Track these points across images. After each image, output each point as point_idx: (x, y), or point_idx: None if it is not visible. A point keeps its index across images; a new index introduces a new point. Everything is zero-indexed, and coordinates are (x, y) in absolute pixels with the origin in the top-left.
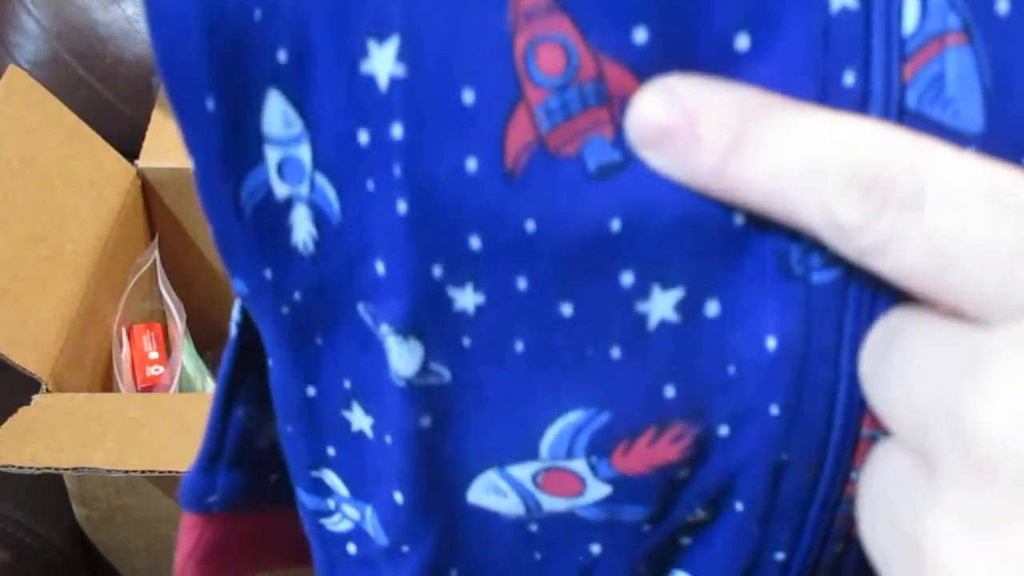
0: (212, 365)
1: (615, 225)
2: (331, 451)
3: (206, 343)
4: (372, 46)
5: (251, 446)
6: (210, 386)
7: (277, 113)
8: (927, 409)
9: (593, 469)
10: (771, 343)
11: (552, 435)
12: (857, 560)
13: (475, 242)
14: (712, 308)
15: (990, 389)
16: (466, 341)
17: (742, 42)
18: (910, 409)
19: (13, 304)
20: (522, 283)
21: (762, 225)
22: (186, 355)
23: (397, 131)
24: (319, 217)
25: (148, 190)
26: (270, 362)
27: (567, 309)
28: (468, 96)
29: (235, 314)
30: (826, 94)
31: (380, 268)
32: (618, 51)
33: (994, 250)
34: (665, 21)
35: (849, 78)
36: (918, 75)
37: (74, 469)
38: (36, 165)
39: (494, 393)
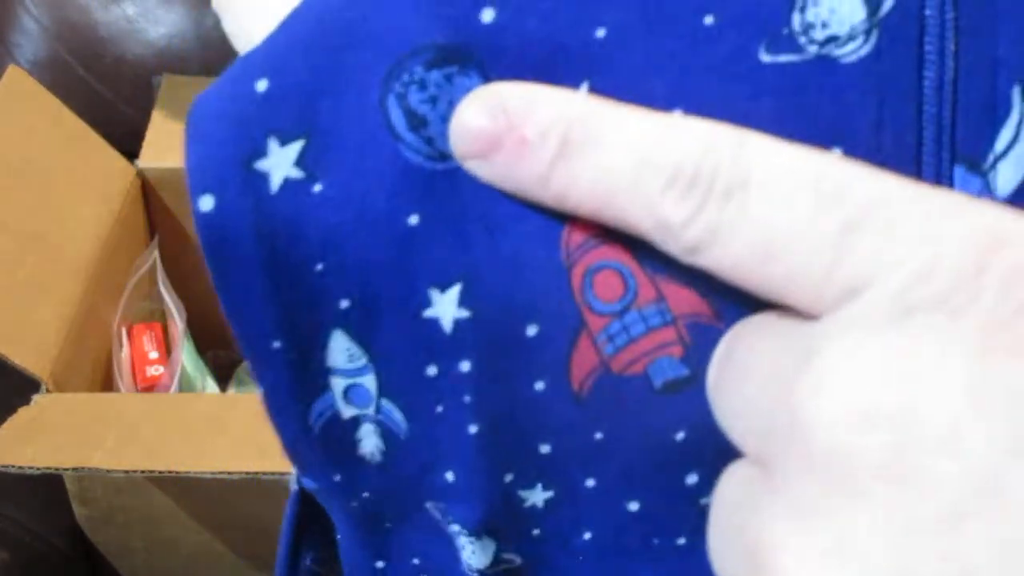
0: (212, 365)
1: (680, 435)
2: None
3: (206, 343)
4: (435, 295)
5: None
6: (210, 386)
7: (341, 350)
8: (766, 413)
9: None
10: None
11: None
12: None
13: (544, 449)
14: None
15: (819, 379)
16: (535, 531)
17: None
18: (752, 417)
19: (13, 304)
20: (590, 482)
21: None
22: (186, 355)
23: (465, 366)
24: (386, 433)
25: (148, 190)
26: (339, 536)
27: (634, 506)
28: (531, 331)
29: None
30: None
31: (450, 476)
32: (675, 272)
33: (817, 237)
34: None
35: None
36: None
37: (74, 469)
38: (36, 165)
39: (564, 572)
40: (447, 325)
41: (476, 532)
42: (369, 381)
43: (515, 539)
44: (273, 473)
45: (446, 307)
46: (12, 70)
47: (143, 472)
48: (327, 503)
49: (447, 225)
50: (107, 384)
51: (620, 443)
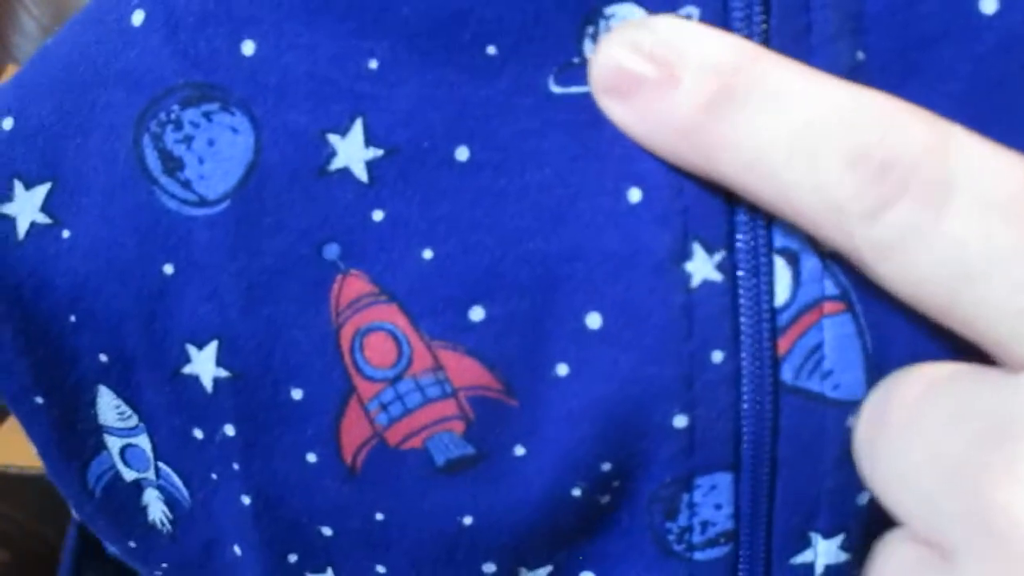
0: None
1: (468, 520)
2: None
3: None
4: (192, 351)
5: None
6: None
7: (110, 407)
8: (939, 493)
9: None
10: None
11: None
12: None
13: (326, 531)
14: None
15: (1021, 468)
16: None
17: (593, 321)
18: (919, 495)
19: None
20: (380, 568)
21: (634, 504)
22: None
23: (230, 430)
24: (170, 500)
25: None
26: None
27: None
28: (296, 394)
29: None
30: (693, 374)
31: (237, 550)
32: (454, 335)
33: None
34: (507, 299)
35: (717, 356)
36: (793, 348)
37: None
38: None
39: None
40: (207, 384)
41: None
42: (144, 442)
43: None
44: None
45: (204, 365)
46: (12, 70)
47: None
48: (135, 566)
49: (203, 276)
50: None
51: (404, 527)
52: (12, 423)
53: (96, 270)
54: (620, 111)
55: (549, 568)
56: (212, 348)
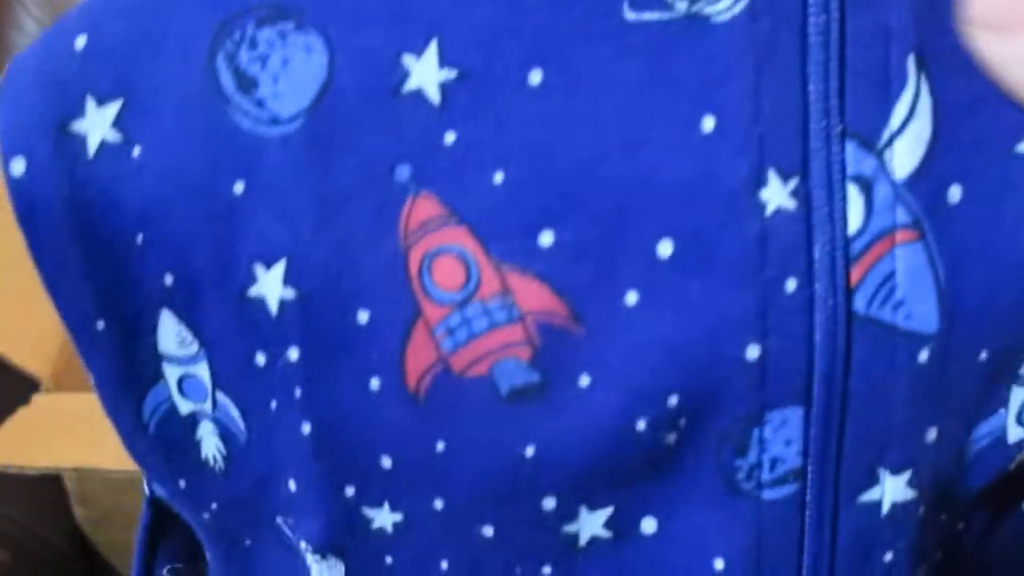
0: None
1: (530, 451)
2: None
3: None
4: (259, 270)
5: None
6: None
7: (171, 333)
8: None
9: None
10: (719, 564)
11: None
12: None
13: (385, 461)
14: (649, 526)
15: None
16: (388, 559)
17: (664, 249)
18: None
19: (13, 304)
20: (438, 503)
21: (701, 442)
22: None
23: (293, 354)
24: (226, 434)
25: None
26: (207, 554)
27: (488, 531)
28: (362, 317)
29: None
30: (767, 303)
31: (292, 486)
32: (523, 260)
33: None
34: (577, 224)
35: (791, 285)
36: (866, 277)
37: (74, 469)
38: None
39: None
40: (273, 306)
41: (322, 551)
42: (202, 370)
43: (365, 566)
44: None
45: (271, 285)
46: None
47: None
48: (183, 514)
49: (274, 196)
50: None
51: (465, 457)
52: (12, 423)
53: (166, 189)
54: (998, 49)
55: (610, 510)
56: (280, 267)
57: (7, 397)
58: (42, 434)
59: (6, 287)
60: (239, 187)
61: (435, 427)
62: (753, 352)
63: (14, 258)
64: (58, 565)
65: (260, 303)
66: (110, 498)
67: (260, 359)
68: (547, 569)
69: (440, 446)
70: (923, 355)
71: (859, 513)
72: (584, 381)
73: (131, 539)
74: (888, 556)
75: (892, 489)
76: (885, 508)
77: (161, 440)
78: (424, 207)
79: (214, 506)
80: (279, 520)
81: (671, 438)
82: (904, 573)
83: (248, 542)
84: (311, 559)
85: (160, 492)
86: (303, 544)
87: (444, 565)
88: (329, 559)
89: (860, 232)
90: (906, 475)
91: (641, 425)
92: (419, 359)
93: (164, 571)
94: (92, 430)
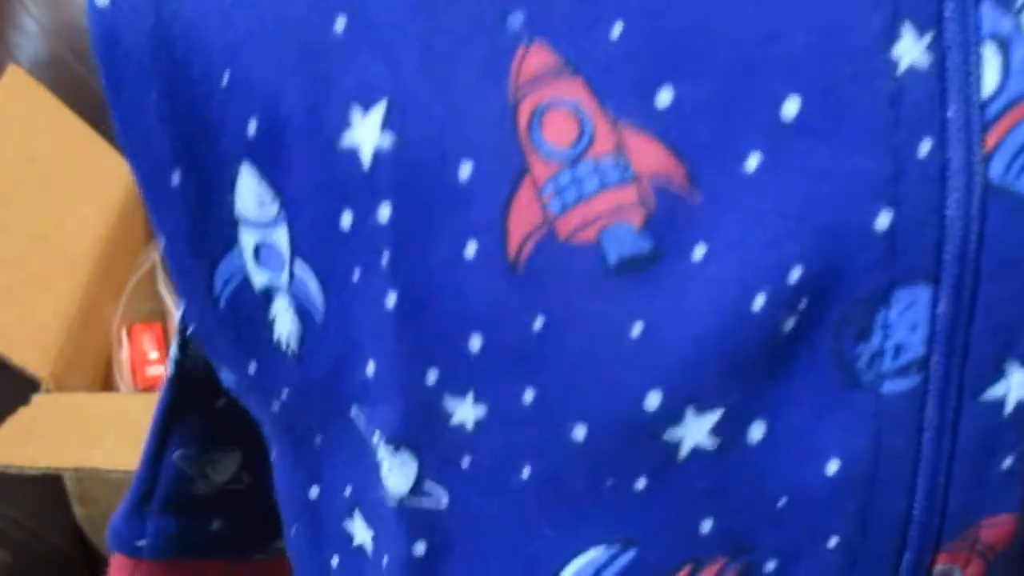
0: None
1: (637, 331)
2: (334, 562)
3: None
4: (355, 114)
5: (188, 490)
6: None
7: (251, 191)
8: None
9: None
10: (832, 468)
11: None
12: None
13: (475, 342)
14: (757, 432)
15: None
16: (465, 462)
17: (790, 108)
18: None
19: (13, 304)
20: (528, 395)
21: (821, 326)
22: None
23: (384, 212)
24: (302, 310)
25: None
26: (272, 454)
27: (580, 432)
28: (465, 171)
29: (174, 350)
30: (900, 170)
31: (370, 369)
32: (640, 116)
33: None
34: (698, 80)
35: (924, 148)
36: (1002, 143)
37: (74, 469)
38: (36, 165)
39: (496, 526)
40: (366, 156)
41: (396, 443)
42: (281, 236)
43: (441, 466)
44: None
45: (367, 132)
46: (12, 70)
47: None
48: (252, 408)
49: (378, 34)
50: (107, 384)
51: (563, 336)
52: (12, 423)
53: (259, 24)
54: None
55: (719, 413)
56: (379, 110)
57: (7, 397)
58: (42, 434)
59: (6, 287)
60: (340, 23)
61: (534, 301)
62: (884, 221)
63: (14, 258)
64: (58, 565)
65: (352, 154)
66: (110, 498)
67: (346, 219)
68: (640, 483)
69: (538, 324)
70: None
71: (982, 412)
72: (699, 253)
73: None
74: (1008, 462)
75: (1018, 384)
76: (1009, 407)
77: (232, 317)
78: (537, 57)
79: (285, 394)
80: (353, 412)
81: (789, 322)
82: (1019, 486)
83: (318, 439)
84: (383, 452)
85: (228, 380)
86: (376, 436)
87: (525, 473)
88: (402, 453)
89: (996, 95)
90: None
91: (759, 303)
92: (523, 221)
93: (175, 455)
94: (92, 430)
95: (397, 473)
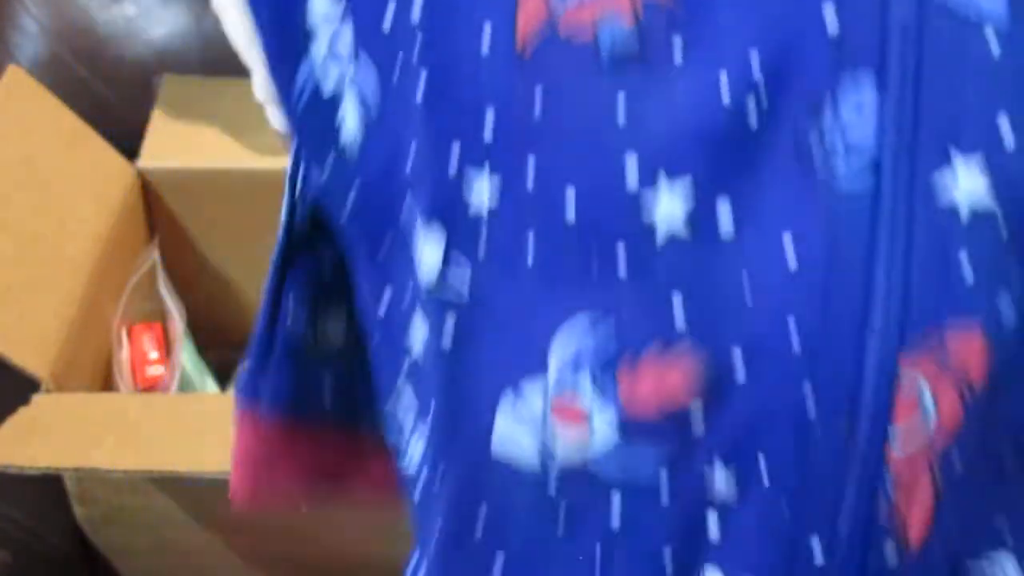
0: (212, 365)
1: (621, 117)
2: (401, 380)
3: (206, 343)
4: None
5: (301, 349)
6: (210, 386)
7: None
8: None
9: (600, 393)
10: (792, 262)
11: (559, 340)
12: None
13: (488, 118)
14: (726, 223)
15: None
16: (481, 250)
17: None
18: None
19: (13, 304)
20: (531, 167)
21: (780, 119)
22: (186, 355)
23: (416, 11)
24: (364, 104)
25: (148, 190)
26: (353, 275)
27: (571, 209)
28: None
29: (283, 213)
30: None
31: (409, 161)
32: None
33: None
34: None
35: None
36: None
37: (74, 469)
38: (36, 165)
39: (506, 309)
40: None
41: (428, 213)
42: (347, 32)
43: (463, 244)
44: None
45: None
46: (12, 70)
47: (143, 472)
48: (331, 219)
49: None
50: (107, 384)
51: (560, 116)
52: (12, 423)
53: None
54: None
55: (688, 181)
56: None
57: (7, 397)
58: (42, 434)
59: (6, 287)
60: None
61: (536, 86)
62: (829, 15)
63: (14, 258)
64: (58, 565)
65: None
66: (110, 498)
67: (388, 17)
68: (622, 269)
69: (539, 106)
70: (993, 45)
71: (937, 216)
72: (678, 56)
73: (131, 539)
74: (968, 272)
75: (966, 179)
76: (964, 214)
77: (307, 120)
78: None
79: (351, 199)
80: (403, 211)
81: (753, 117)
82: (983, 296)
83: (382, 252)
84: (420, 234)
85: (310, 189)
86: (416, 220)
87: (530, 259)
88: (433, 226)
89: None
90: (977, 158)
91: (726, 96)
92: (531, 18)
93: (290, 298)
94: (92, 430)
95: (429, 249)
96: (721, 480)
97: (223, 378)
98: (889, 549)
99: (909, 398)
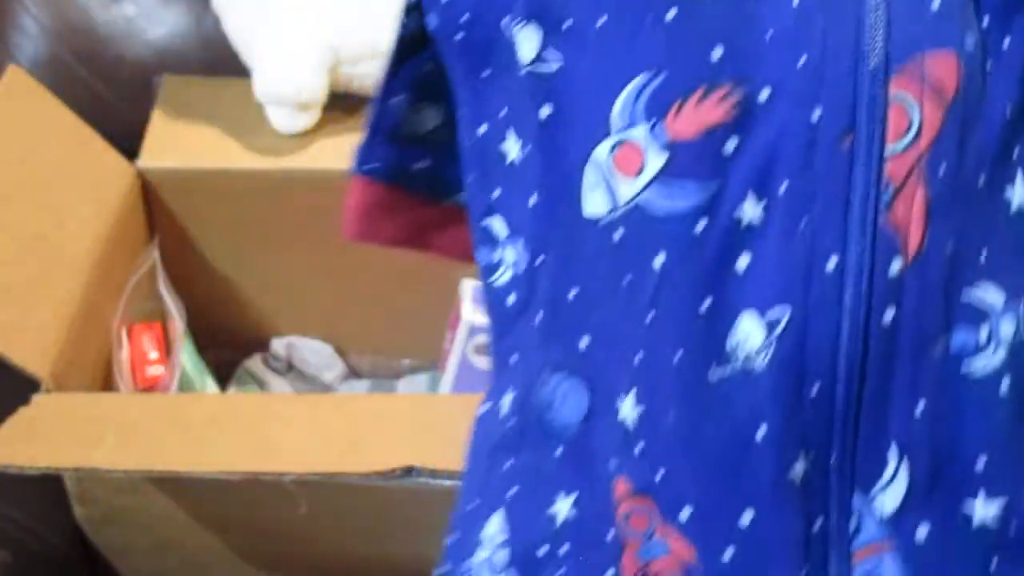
0: (212, 365)
1: None
2: (496, 193)
3: (206, 343)
4: None
5: (403, 129)
6: (210, 386)
7: None
8: None
9: (652, 132)
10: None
11: (620, 102)
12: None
13: None
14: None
15: None
16: (565, 23)
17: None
18: None
19: (13, 304)
20: None
21: None
22: (186, 355)
23: None
24: None
25: (148, 190)
26: (457, 110)
27: None
28: None
29: (401, 15)
30: None
31: None
32: None
33: None
34: None
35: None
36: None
37: (74, 469)
38: (36, 165)
39: (585, 73)
40: None
41: (526, 16)
42: None
43: (554, 32)
44: (273, 473)
45: None
46: (12, 70)
47: (143, 472)
48: (447, 59)
49: None
50: (107, 384)
51: None
52: (12, 423)
53: None
54: None
55: None
56: None
57: (7, 397)
58: (42, 434)
59: (6, 287)
60: None
61: None
62: None
63: (14, 257)
64: (58, 565)
65: None
66: (110, 498)
67: None
68: (671, 13)
69: None
70: None
71: None
72: None
73: (131, 539)
74: (938, 5)
75: None
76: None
77: None
78: None
79: (464, 18)
80: (504, 22)
81: None
82: (955, 29)
83: (485, 73)
84: (518, 30)
85: (432, 23)
86: (516, 22)
87: (600, 21)
88: (530, 25)
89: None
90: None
91: None
92: None
93: (395, 100)
94: (92, 430)
95: (527, 39)
96: (750, 206)
97: (223, 378)
98: (894, 260)
99: (899, 113)
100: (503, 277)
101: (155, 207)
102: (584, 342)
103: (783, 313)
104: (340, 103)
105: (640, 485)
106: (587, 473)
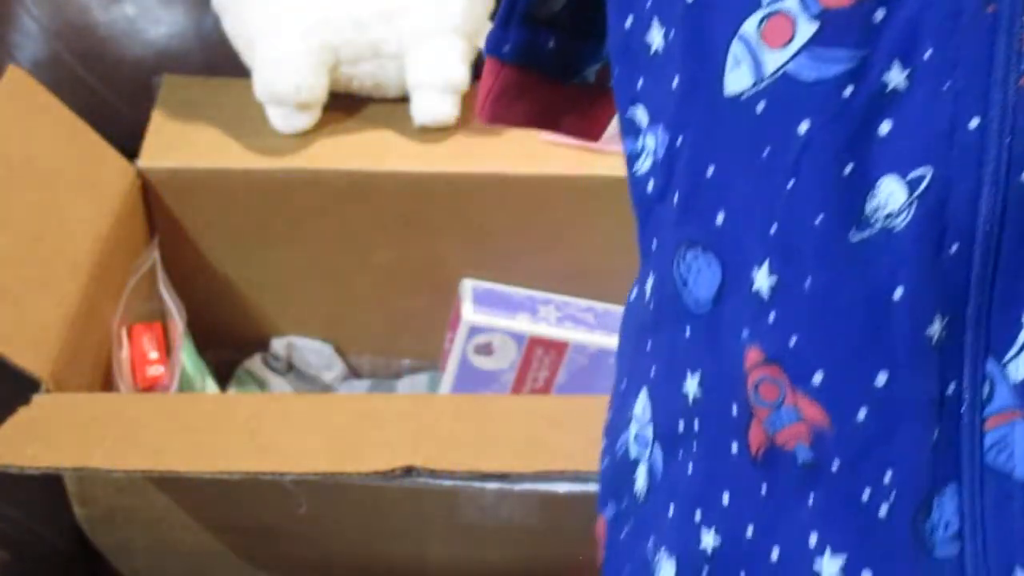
0: (212, 365)
1: None
2: (640, 83)
3: (206, 343)
4: None
5: (534, 12)
6: (210, 386)
7: None
8: None
9: (803, 1)
10: None
11: None
12: None
13: None
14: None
15: None
16: None
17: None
18: None
19: (13, 304)
20: None
21: None
22: (186, 355)
23: None
24: None
25: (148, 190)
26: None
27: None
28: None
29: None
30: None
31: None
32: None
33: None
34: None
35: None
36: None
37: (74, 469)
38: (36, 165)
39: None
40: None
41: None
42: None
43: None
44: (273, 473)
45: None
46: (12, 70)
47: (143, 472)
48: None
49: None
50: (107, 384)
51: None
52: (12, 423)
53: None
54: None
55: None
56: None
57: (7, 397)
58: (42, 434)
59: (6, 287)
60: None
61: None
62: None
63: (14, 257)
64: (58, 565)
65: None
66: (110, 498)
67: None
68: None
69: None
70: None
71: None
72: None
73: (131, 539)
74: None
75: None
76: None
77: None
78: None
79: None
80: None
81: None
82: None
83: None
84: None
85: None
86: None
87: None
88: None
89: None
90: None
91: None
92: None
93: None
94: (92, 430)
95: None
96: (895, 72)
97: (223, 378)
98: None
99: None
100: (644, 164)
101: (155, 207)
102: (720, 218)
103: (925, 172)
104: (340, 103)
105: (772, 353)
106: (715, 349)
